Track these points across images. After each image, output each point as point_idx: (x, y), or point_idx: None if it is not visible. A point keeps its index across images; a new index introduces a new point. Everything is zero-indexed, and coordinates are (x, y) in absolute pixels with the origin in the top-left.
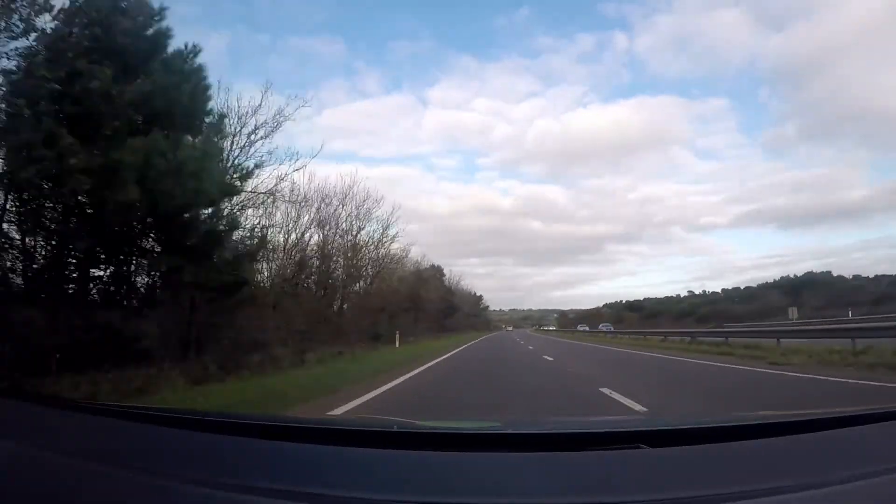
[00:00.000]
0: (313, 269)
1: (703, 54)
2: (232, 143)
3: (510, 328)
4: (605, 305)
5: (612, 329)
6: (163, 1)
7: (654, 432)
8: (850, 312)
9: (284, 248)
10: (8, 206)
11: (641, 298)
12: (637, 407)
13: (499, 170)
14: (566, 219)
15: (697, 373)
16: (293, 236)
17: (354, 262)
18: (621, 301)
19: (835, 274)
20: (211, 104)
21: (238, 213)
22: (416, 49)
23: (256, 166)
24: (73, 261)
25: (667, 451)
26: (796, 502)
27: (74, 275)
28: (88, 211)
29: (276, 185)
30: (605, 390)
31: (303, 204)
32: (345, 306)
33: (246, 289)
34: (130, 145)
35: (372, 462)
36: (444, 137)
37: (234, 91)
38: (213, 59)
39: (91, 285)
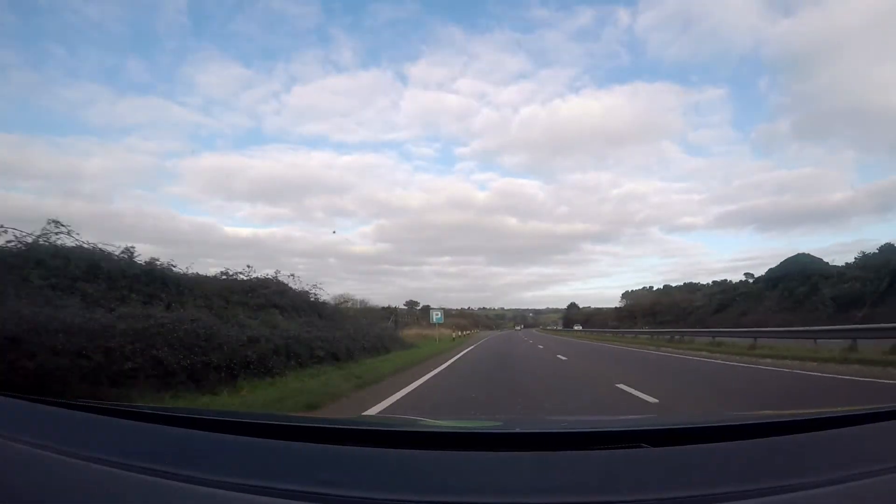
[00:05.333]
0: None
1: (707, 37)
2: None
3: (519, 328)
4: (625, 294)
5: None
6: None
7: (657, 431)
8: None
9: None
10: None
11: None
12: None
13: (478, 160)
14: (544, 216)
15: None
16: None
17: None
18: (648, 287)
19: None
20: None
21: None
22: (399, 14)
23: None
24: None
25: (669, 451)
26: (797, 501)
27: None
28: None
29: None
30: None
31: None
32: None
33: None
34: None
35: (372, 461)
36: (423, 122)
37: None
38: (173, 20)
39: None
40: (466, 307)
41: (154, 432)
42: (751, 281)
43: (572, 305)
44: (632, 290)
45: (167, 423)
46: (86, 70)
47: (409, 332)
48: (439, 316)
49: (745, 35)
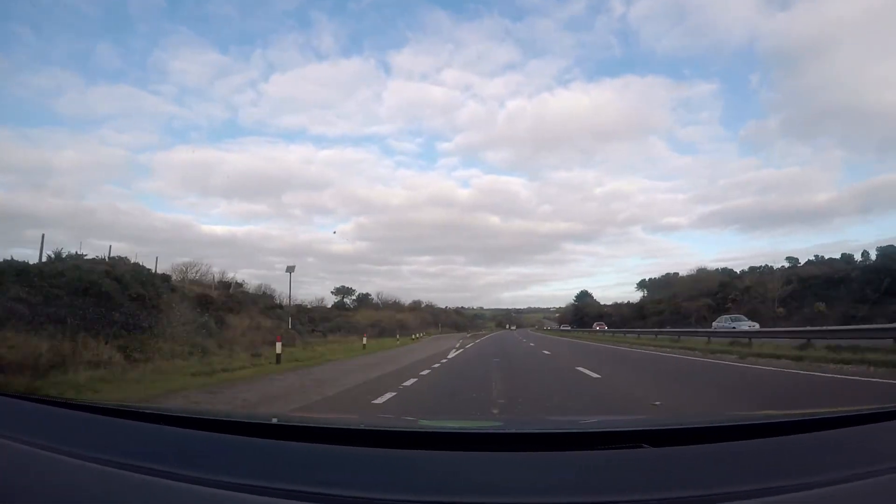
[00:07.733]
0: None
1: (702, 28)
2: None
3: (514, 327)
4: (641, 283)
5: None
6: None
7: (657, 431)
8: None
9: None
10: None
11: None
12: None
13: (461, 156)
14: (526, 214)
15: None
16: None
17: None
18: (673, 274)
19: None
20: None
21: None
22: None
23: None
24: None
25: (670, 451)
26: (798, 501)
27: None
28: None
29: None
30: None
31: None
32: None
33: None
34: None
35: (372, 461)
36: (406, 115)
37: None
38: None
39: None
40: (443, 306)
41: (153, 432)
42: None
43: (583, 294)
44: (650, 279)
45: (166, 423)
46: (56, 55)
47: None
48: None
49: (740, 28)
